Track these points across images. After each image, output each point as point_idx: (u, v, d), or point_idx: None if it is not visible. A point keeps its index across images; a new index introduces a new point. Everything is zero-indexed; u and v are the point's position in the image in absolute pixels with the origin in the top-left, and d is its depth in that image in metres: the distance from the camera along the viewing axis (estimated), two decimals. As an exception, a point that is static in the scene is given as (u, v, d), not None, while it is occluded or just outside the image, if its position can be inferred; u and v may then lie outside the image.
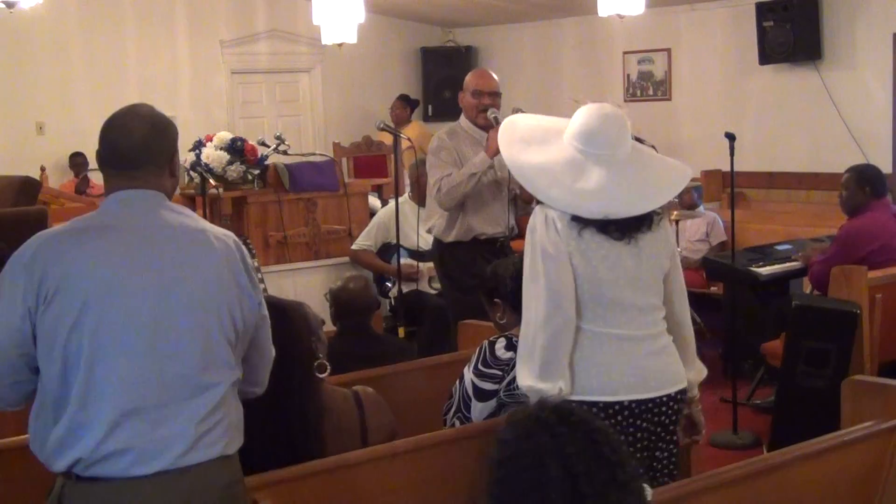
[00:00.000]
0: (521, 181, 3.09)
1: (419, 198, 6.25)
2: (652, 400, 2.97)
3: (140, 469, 2.25)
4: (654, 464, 3.02)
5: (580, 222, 2.91)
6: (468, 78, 5.08)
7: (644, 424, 2.97)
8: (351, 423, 3.11)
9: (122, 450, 2.25)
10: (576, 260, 2.91)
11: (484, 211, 4.93)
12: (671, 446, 3.06)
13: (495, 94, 4.98)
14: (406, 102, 10.28)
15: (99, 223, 2.37)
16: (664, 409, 3.00)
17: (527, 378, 2.92)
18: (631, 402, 2.94)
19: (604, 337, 2.94)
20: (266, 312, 2.53)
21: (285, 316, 2.97)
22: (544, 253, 2.91)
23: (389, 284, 6.04)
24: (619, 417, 2.93)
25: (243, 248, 2.48)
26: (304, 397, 2.96)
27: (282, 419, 2.90)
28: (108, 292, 2.26)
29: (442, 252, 5.05)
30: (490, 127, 4.90)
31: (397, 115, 10.02)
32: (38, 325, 2.26)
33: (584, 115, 3.02)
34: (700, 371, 3.16)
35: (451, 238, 4.97)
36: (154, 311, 2.29)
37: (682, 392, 3.05)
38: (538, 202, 3.04)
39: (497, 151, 4.78)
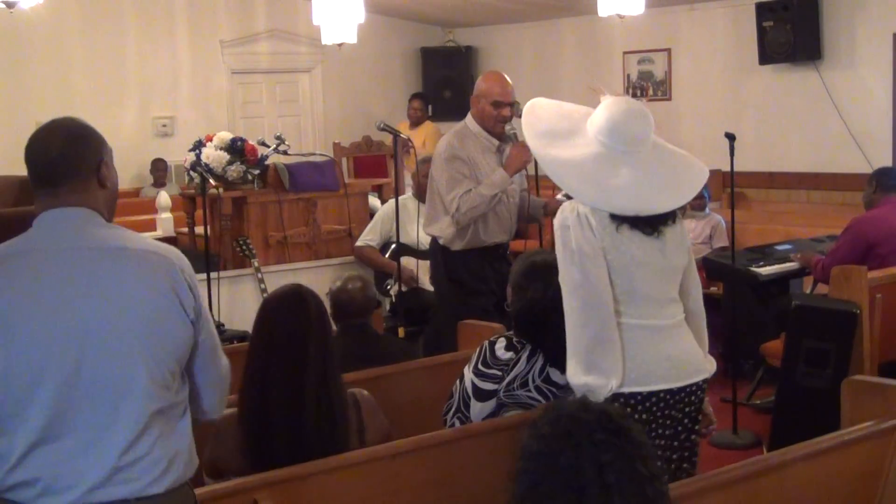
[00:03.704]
0: (551, 176, 3.08)
1: (421, 194, 6.25)
2: (683, 389, 3.02)
3: (48, 501, 2.15)
4: (685, 454, 3.07)
5: (616, 219, 2.94)
6: (487, 85, 4.90)
7: (676, 414, 3.02)
8: (351, 423, 3.13)
9: (31, 480, 2.15)
10: (610, 255, 2.95)
11: (495, 220, 4.90)
12: (695, 435, 3.12)
13: (513, 104, 4.88)
14: (424, 101, 10.20)
15: (18, 249, 2.26)
16: (692, 398, 3.05)
17: (579, 375, 2.93)
18: (664, 391, 2.99)
19: (636, 328, 2.98)
20: (206, 335, 2.37)
21: (301, 302, 3.00)
22: (581, 252, 2.93)
23: (391, 282, 6.04)
24: (655, 409, 2.98)
25: (184, 263, 2.34)
26: (323, 386, 2.97)
27: (304, 411, 2.93)
28: (9, 324, 2.16)
29: (447, 259, 4.95)
30: (506, 139, 4.89)
31: (417, 115, 9.93)
32: None
33: (610, 109, 3.02)
34: (712, 362, 3.19)
35: (459, 247, 4.91)
36: (66, 339, 2.16)
37: (706, 381, 3.11)
38: (566, 195, 3.06)
39: (518, 170, 4.80)
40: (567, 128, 3.07)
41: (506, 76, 4.97)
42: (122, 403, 2.19)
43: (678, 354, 3.02)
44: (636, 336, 2.97)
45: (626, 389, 2.95)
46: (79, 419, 2.17)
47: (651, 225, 2.97)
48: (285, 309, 3.00)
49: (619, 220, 2.95)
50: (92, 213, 2.30)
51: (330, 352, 3.03)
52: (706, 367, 3.11)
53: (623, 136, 2.99)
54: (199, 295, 2.36)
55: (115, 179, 2.40)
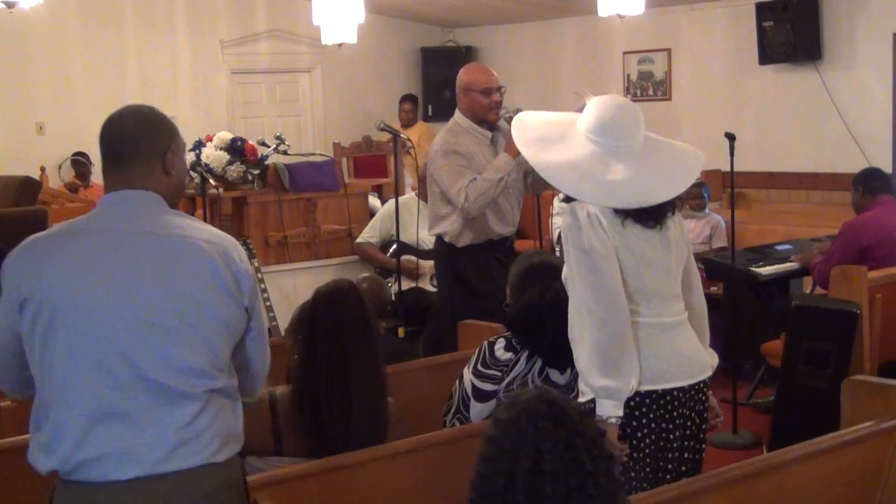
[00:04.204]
0: (550, 180, 3.07)
1: (424, 195, 6.26)
2: (693, 386, 3.02)
3: (117, 474, 2.24)
4: (696, 456, 3.07)
5: (621, 214, 2.94)
6: (469, 77, 4.91)
7: (687, 412, 3.02)
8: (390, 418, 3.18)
9: (98, 456, 2.23)
10: (622, 254, 2.94)
11: (498, 211, 4.88)
12: (703, 434, 3.11)
13: (500, 88, 4.89)
14: (414, 103, 10.37)
15: (79, 228, 2.34)
16: (700, 395, 3.05)
17: (595, 378, 2.89)
18: (677, 389, 2.98)
19: (647, 326, 2.97)
20: (258, 321, 2.46)
21: (339, 300, 3.08)
22: (595, 252, 2.91)
23: (390, 281, 6.04)
24: (670, 406, 2.97)
25: (240, 251, 2.42)
26: (368, 376, 3.03)
27: (353, 401, 2.99)
28: (77, 300, 2.23)
29: (453, 256, 4.91)
30: (497, 128, 4.88)
31: (407, 117, 10.13)
32: (21, 330, 2.28)
33: (598, 107, 3.03)
34: (714, 356, 3.18)
35: (465, 242, 4.87)
36: (128, 320, 2.24)
37: (711, 377, 3.11)
38: (568, 199, 3.04)
39: (518, 152, 4.79)
40: (557, 132, 3.07)
41: (483, 64, 4.99)
42: (182, 382, 2.27)
43: (687, 352, 3.02)
44: (649, 334, 2.97)
45: (641, 388, 2.93)
46: (142, 396, 2.25)
47: (653, 217, 2.97)
48: (322, 305, 3.08)
49: (622, 215, 2.94)
50: (157, 198, 2.36)
51: (372, 346, 3.08)
52: (710, 362, 3.11)
53: (613, 132, 2.98)
54: (254, 281, 2.45)
55: (183, 171, 2.48)
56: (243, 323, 2.40)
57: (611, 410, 2.88)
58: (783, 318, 5.36)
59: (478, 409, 3.30)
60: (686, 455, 3.06)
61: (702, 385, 3.05)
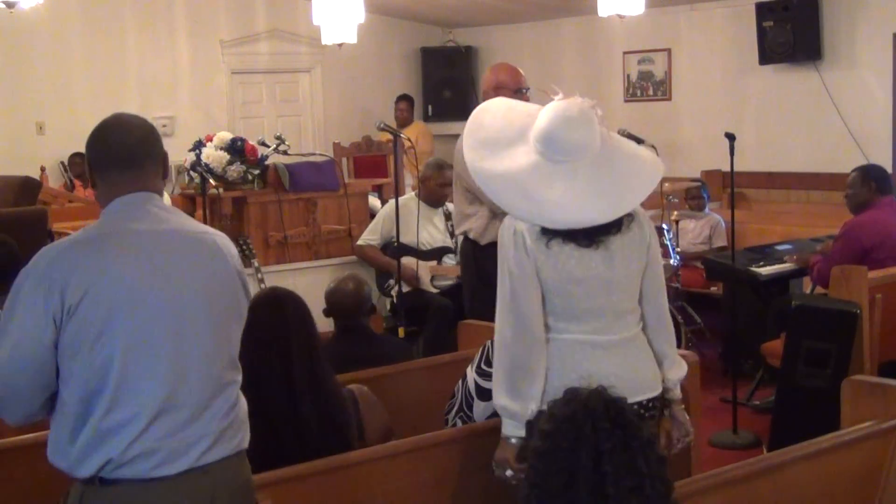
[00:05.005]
0: (485, 191, 2.95)
1: (425, 196, 6.27)
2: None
3: (164, 470, 2.29)
4: None
5: (547, 233, 2.83)
6: (502, 76, 4.85)
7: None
8: (351, 418, 3.15)
9: (151, 450, 2.28)
10: (544, 273, 2.84)
11: None
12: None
13: (528, 89, 4.85)
14: (410, 103, 10.45)
15: (112, 230, 2.37)
16: (638, 416, 2.93)
17: (499, 396, 2.88)
18: None
19: (575, 345, 2.88)
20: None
21: (280, 306, 3.08)
22: (511, 274, 2.86)
23: (392, 282, 6.04)
24: None
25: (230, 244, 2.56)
26: (314, 384, 3.02)
27: (300, 409, 2.98)
28: (131, 299, 2.28)
29: (478, 254, 4.85)
30: None
31: (404, 116, 10.22)
32: (61, 335, 2.26)
33: (548, 117, 2.85)
34: (681, 367, 3.06)
35: (489, 239, 4.83)
36: (176, 314, 2.33)
37: (656, 398, 2.97)
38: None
39: None
40: (510, 135, 2.92)
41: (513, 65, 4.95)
42: (220, 373, 2.39)
43: (620, 372, 2.84)
44: (574, 351, 2.87)
45: None
46: (187, 390, 2.32)
47: (589, 237, 2.83)
48: (263, 312, 3.05)
49: (550, 234, 2.83)
50: (160, 199, 2.46)
51: (314, 350, 3.08)
52: (655, 385, 2.96)
53: (559, 146, 2.81)
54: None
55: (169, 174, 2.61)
56: (245, 313, 2.54)
57: (511, 430, 2.86)
58: (783, 318, 5.36)
59: (481, 408, 3.30)
60: None
61: (640, 406, 2.88)
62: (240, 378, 2.47)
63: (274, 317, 3.08)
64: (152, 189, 2.43)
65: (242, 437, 2.44)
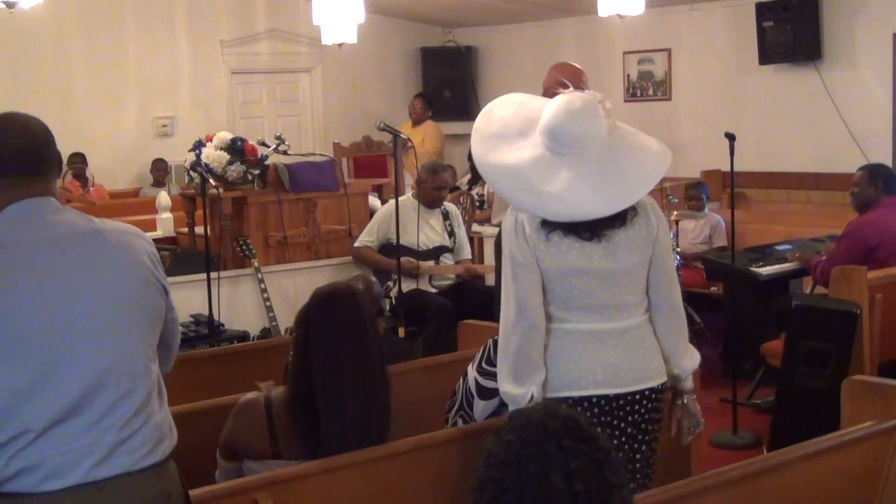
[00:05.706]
0: (489, 183, 3.00)
1: (423, 197, 6.27)
2: (623, 396, 2.92)
3: (51, 484, 2.13)
4: (629, 465, 2.95)
5: (548, 225, 2.86)
6: (560, 75, 4.77)
7: (616, 422, 2.93)
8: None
9: (33, 465, 2.13)
10: (545, 263, 2.88)
11: None
12: (644, 447, 3.00)
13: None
14: (426, 101, 10.44)
15: (11, 238, 2.22)
16: (637, 406, 2.95)
17: (503, 382, 2.94)
18: (600, 397, 2.90)
19: (575, 334, 2.91)
20: (171, 305, 2.44)
21: (333, 302, 3.07)
22: (513, 260, 2.90)
23: (391, 283, 6.04)
24: (589, 414, 2.87)
25: (146, 237, 2.41)
26: (362, 379, 3.02)
27: (346, 402, 2.98)
28: (18, 306, 2.15)
29: None
30: None
31: (418, 114, 10.24)
32: None
33: (553, 110, 2.88)
34: (693, 357, 3.09)
35: None
36: (69, 323, 2.18)
37: (659, 389, 2.99)
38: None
39: None
40: (519, 128, 2.94)
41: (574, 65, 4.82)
42: (122, 381, 2.21)
43: (621, 361, 2.90)
44: (574, 340, 2.90)
45: (556, 394, 2.88)
46: (84, 401, 2.17)
47: (591, 230, 2.86)
48: (326, 304, 3.07)
49: (550, 226, 2.85)
50: (58, 202, 2.32)
51: (367, 348, 3.06)
52: (660, 374, 2.98)
53: (563, 139, 2.83)
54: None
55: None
56: (164, 309, 2.39)
57: None
58: (783, 318, 5.36)
59: (481, 407, 3.30)
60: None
61: (637, 397, 2.92)
62: (153, 376, 2.29)
63: (326, 311, 3.05)
64: (52, 193, 2.29)
65: (153, 447, 2.24)
